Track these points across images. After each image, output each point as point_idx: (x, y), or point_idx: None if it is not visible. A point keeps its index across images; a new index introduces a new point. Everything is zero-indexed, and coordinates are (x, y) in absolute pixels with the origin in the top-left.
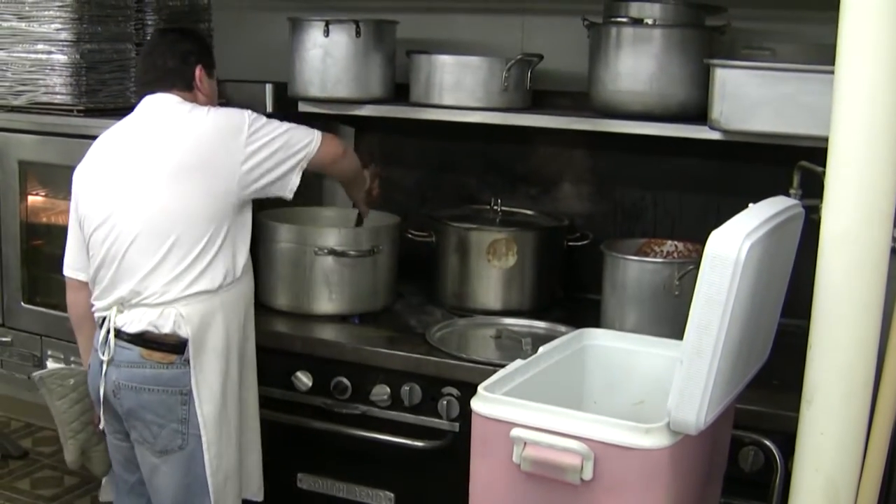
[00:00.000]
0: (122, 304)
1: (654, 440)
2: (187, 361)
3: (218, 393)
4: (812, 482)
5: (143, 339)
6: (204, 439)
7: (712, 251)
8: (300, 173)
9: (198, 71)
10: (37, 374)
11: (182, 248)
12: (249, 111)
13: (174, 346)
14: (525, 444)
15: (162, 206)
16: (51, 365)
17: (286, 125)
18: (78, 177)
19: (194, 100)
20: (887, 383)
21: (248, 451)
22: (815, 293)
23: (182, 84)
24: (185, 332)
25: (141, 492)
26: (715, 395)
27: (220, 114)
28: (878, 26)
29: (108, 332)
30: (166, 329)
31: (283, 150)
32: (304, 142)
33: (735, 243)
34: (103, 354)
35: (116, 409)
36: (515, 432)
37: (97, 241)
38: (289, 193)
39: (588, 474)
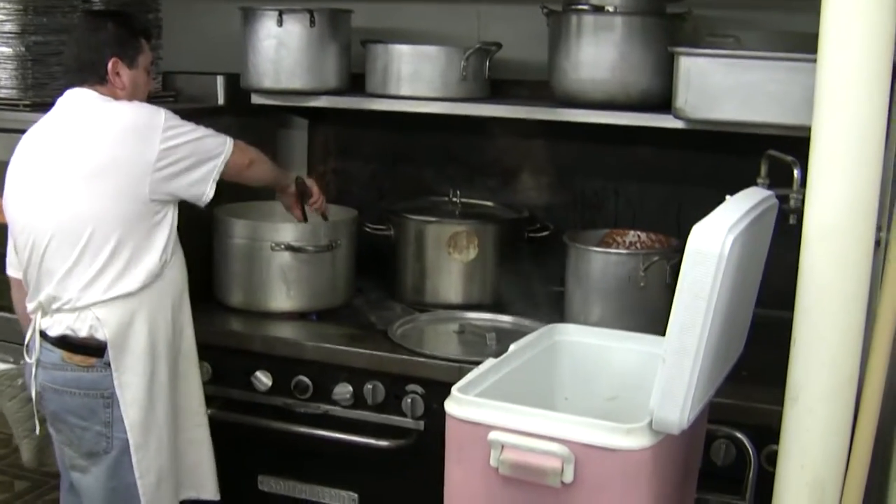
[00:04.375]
0: (43, 309)
1: (636, 440)
2: (108, 364)
3: (144, 395)
4: (798, 480)
5: (65, 342)
6: (131, 442)
7: (695, 246)
8: (214, 184)
9: (111, 64)
10: None
11: (94, 251)
12: (166, 110)
13: (94, 349)
14: (503, 447)
15: (74, 208)
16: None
17: (200, 130)
18: (7, 176)
19: (111, 94)
20: (872, 379)
21: (194, 449)
22: (798, 288)
23: (95, 78)
24: (102, 335)
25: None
26: (697, 392)
27: (134, 110)
28: (861, 16)
29: (33, 333)
30: (83, 333)
31: (196, 154)
32: (217, 150)
33: (718, 238)
34: (29, 356)
35: (43, 410)
36: (493, 435)
37: (21, 244)
38: (202, 203)
39: (569, 477)
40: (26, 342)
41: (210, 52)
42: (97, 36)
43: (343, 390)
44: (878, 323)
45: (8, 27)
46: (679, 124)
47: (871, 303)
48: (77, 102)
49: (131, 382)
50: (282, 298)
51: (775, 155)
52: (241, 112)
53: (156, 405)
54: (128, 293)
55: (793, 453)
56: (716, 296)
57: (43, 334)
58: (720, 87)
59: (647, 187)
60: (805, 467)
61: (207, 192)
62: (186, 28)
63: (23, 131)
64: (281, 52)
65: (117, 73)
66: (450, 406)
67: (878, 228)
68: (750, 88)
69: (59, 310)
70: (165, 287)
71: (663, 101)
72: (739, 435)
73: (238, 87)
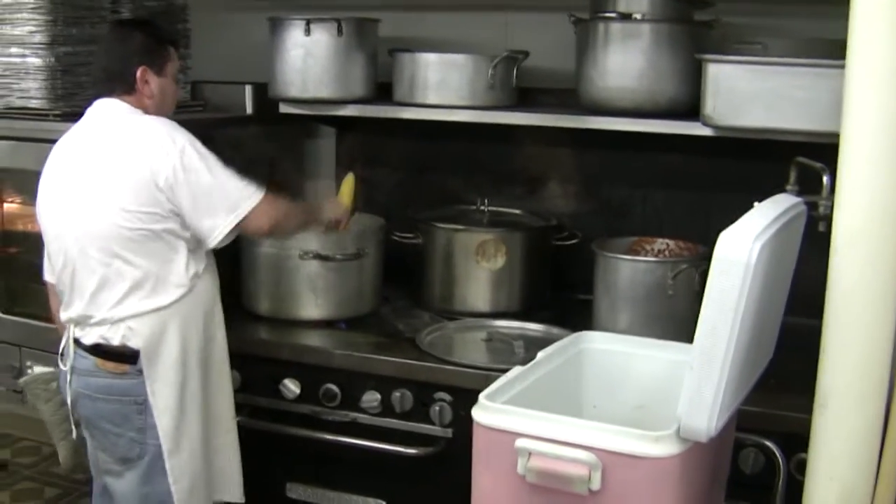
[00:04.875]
0: (75, 323)
1: (664, 448)
2: (141, 371)
3: (176, 403)
4: (826, 491)
5: (98, 350)
6: (164, 448)
7: (722, 254)
8: (221, 238)
9: (139, 72)
10: (22, 380)
11: (121, 268)
12: (189, 135)
13: (127, 357)
14: (530, 454)
15: (99, 223)
16: (36, 370)
17: (223, 173)
18: (40, 184)
19: (139, 103)
20: None
21: (222, 454)
22: (827, 295)
23: (123, 87)
24: (134, 343)
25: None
26: (725, 400)
27: (156, 127)
28: (889, 21)
29: (67, 340)
30: (115, 342)
31: (207, 197)
32: (232, 207)
33: (745, 246)
34: (64, 364)
35: (77, 416)
36: (520, 443)
37: (53, 252)
38: (209, 246)
39: (596, 484)
40: (61, 349)
41: (238, 61)
42: (125, 45)
43: (371, 398)
44: None
45: (38, 38)
46: (707, 131)
47: None
48: (105, 114)
49: (163, 391)
50: (310, 307)
51: (804, 162)
52: (268, 121)
53: (188, 412)
54: (159, 307)
55: (821, 462)
56: (743, 304)
57: (77, 341)
58: (748, 93)
59: (674, 194)
60: (834, 476)
61: (213, 241)
62: (215, 38)
63: (52, 141)
64: (308, 62)
65: (146, 82)
66: (477, 413)
67: None
68: (777, 95)
69: (90, 324)
70: (197, 298)
71: (691, 108)
72: (768, 443)
73: (266, 96)
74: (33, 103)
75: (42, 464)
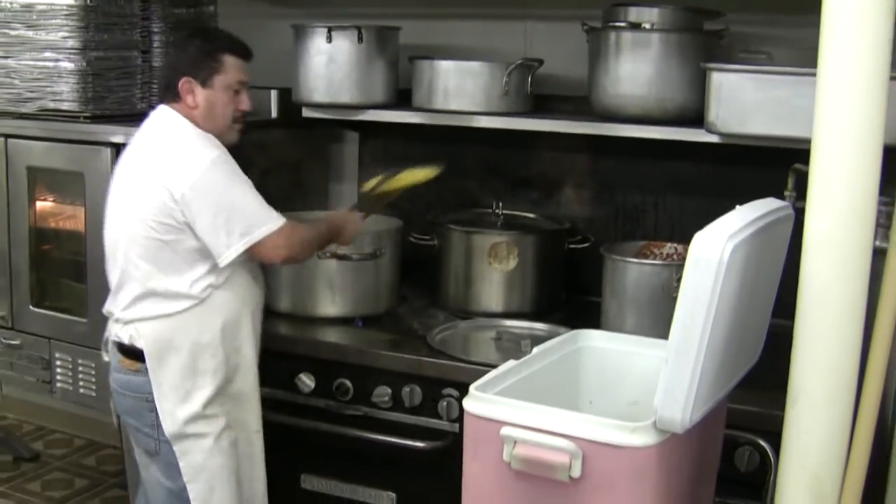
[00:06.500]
0: (109, 316)
1: (641, 438)
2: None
3: (185, 408)
4: (797, 479)
5: (118, 347)
6: (175, 449)
7: (696, 253)
8: (233, 258)
9: (181, 83)
10: None
11: (135, 273)
12: (220, 154)
13: (139, 355)
14: (515, 442)
15: (125, 228)
16: None
17: (249, 195)
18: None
19: (187, 112)
20: (870, 382)
21: (248, 463)
22: (799, 294)
23: (170, 96)
24: (140, 344)
25: None
26: (701, 393)
27: (190, 141)
28: (860, 29)
29: (106, 336)
30: (126, 340)
31: (225, 214)
32: (247, 227)
33: (718, 245)
34: (105, 357)
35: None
36: (505, 431)
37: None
38: (220, 264)
39: (577, 472)
40: (103, 342)
41: (265, 67)
42: (177, 55)
43: (382, 393)
44: (877, 328)
45: (70, 43)
46: (711, 138)
47: (870, 308)
48: (155, 121)
49: (170, 395)
50: (327, 304)
51: (801, 168)
52: (293, 125)
53: (199, 420)
54: (166, 314)
55: (793, 454)
56: (716, 300)
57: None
58: (751, 101)
59: (686, 200)
60: (804, 467)
61: (223, 259)
62: None
63: (83, 142)
64: (330, 68)
65: (189, 92)
66: (467, 403)
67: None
68: (780, 103)
69: (113, 322)
70: (212, 310)
71: (699, 116)
72: (762, 442)
73: (290, 101)
74: (65, 105)
75: (72, 455)
